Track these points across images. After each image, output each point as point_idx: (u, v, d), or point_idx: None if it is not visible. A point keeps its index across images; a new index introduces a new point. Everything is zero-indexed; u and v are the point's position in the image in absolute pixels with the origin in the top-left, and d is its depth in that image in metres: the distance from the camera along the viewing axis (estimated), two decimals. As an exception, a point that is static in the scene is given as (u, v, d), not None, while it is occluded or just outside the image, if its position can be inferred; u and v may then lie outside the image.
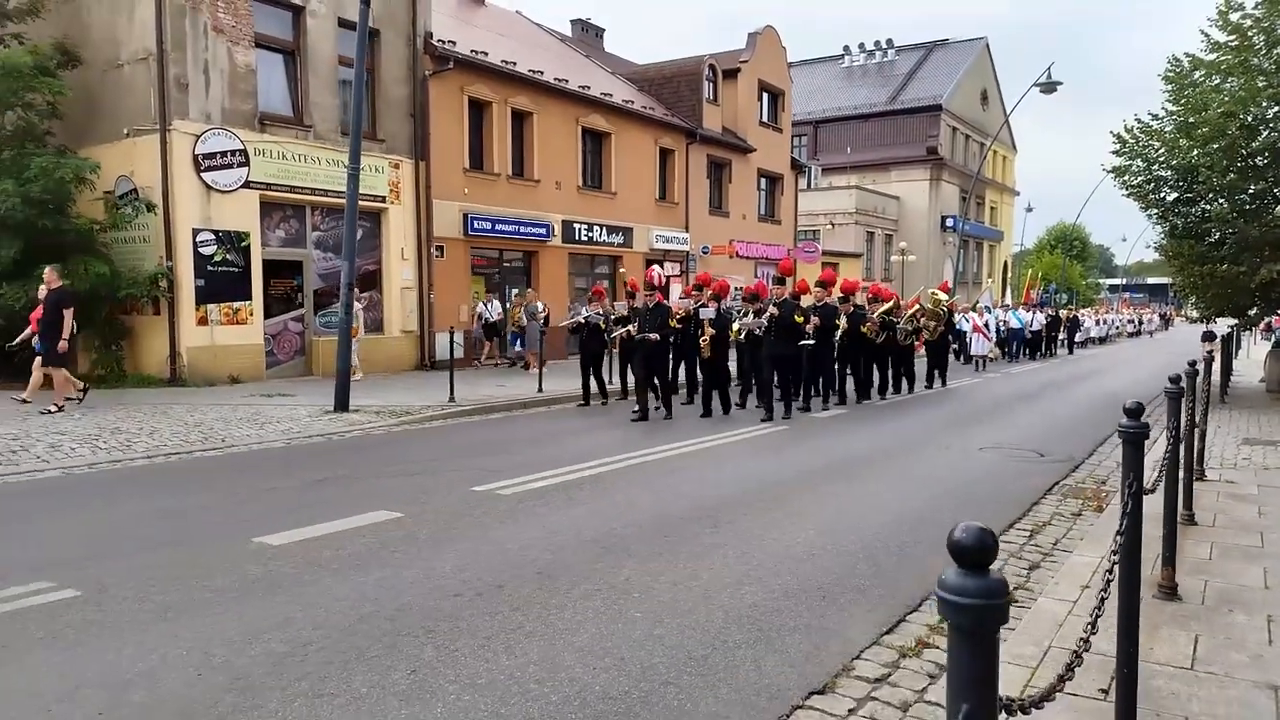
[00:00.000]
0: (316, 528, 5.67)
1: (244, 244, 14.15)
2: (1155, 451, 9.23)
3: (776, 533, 5.78)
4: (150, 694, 3.29)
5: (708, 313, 11.97)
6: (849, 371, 13.61)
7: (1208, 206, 13.75)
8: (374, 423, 10.68)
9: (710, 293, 12.87)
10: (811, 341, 11.81)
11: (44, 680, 3.39)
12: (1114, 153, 14.76)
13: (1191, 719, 3.04)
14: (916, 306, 16.32)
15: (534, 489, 7.02)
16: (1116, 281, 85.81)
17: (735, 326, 12.04)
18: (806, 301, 12.86)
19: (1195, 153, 13.81)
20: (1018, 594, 4.66)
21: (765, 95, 29.10)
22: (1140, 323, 53.26)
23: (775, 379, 11.59)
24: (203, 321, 13.63)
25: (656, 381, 11.54)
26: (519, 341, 18.25)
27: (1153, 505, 4.08)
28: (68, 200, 12.96)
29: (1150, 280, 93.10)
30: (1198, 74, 14.37)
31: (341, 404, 11.19)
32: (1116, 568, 2.47)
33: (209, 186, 13.64)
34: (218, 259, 13.79)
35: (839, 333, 12.95)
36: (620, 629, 4.04)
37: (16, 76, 12.45)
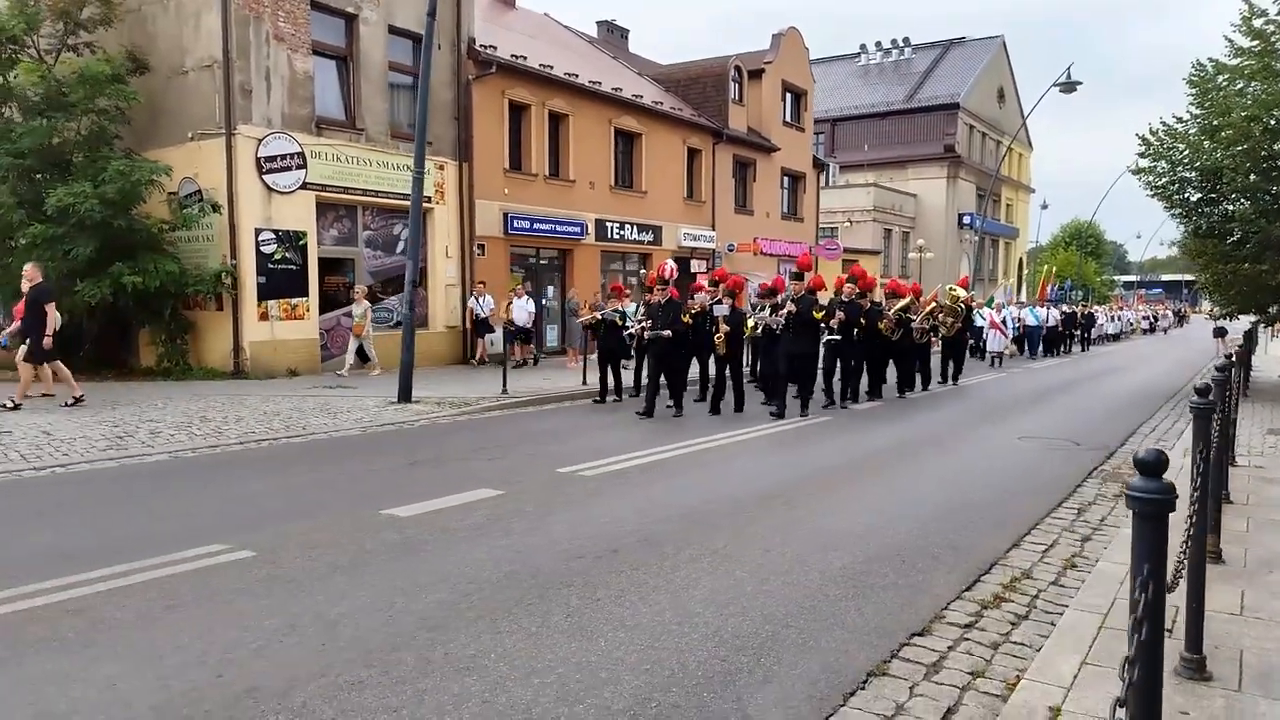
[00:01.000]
0: (432, 502, 6.27)
1: (301, 243, 14.79)
2: (1185, 440, 9.80)
3: (845, 511, 6.36)
4: (356, 631, 3.89)
5: (722, 309, 11.87)
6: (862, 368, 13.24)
7: (1231, 207, 14.22)
8: (437, 413, 11.28)
9: (725, 288, 12.64)
10: (837, 336, 11.85)
11: (261, 620, 3.99)
12: (1139, 154, 15.25)
13: (1245, 650, 3.60)
14: (934, 304, 16.33)
15: (612, 471, 7.62)
16: (1131, 278, 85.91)
17: (751, 322, 12.04)
18: (824, 298, 12.61)
19: (1218, 154, 14.30)
20: (1076, 560, 5.23)
21: (788, 95, 29.61)
22: (1155, 319, 53.48)
23: (790, 376, 11.32)
24: (264, 317, 14.27)
25: (666, 379, 11.37)
26: (514, 339, 17.16)
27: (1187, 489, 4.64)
28: (137, 201, 13.59)
29: (1165, 277, 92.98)
30: (1221, 78, 14.83)
31: (405, 395, 11.79)
32: (1187, 526, 3.03)
33: (269, 188, 14.27)
34: (277, 257, 14.43)
35: (857, 330, 12.62)
36: (732, 585, 4.62)
37: (94, 84, 13.10)
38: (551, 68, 19.86)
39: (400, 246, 17.12)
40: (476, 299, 17.27)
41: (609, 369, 12.65)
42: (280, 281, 14.47)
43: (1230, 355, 7.35)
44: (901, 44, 53.14)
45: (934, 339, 15.99)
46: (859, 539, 5.51)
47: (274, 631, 3.86)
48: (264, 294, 14.23)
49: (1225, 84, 14.73)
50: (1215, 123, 14.11)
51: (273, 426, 9.86)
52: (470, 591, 4.43)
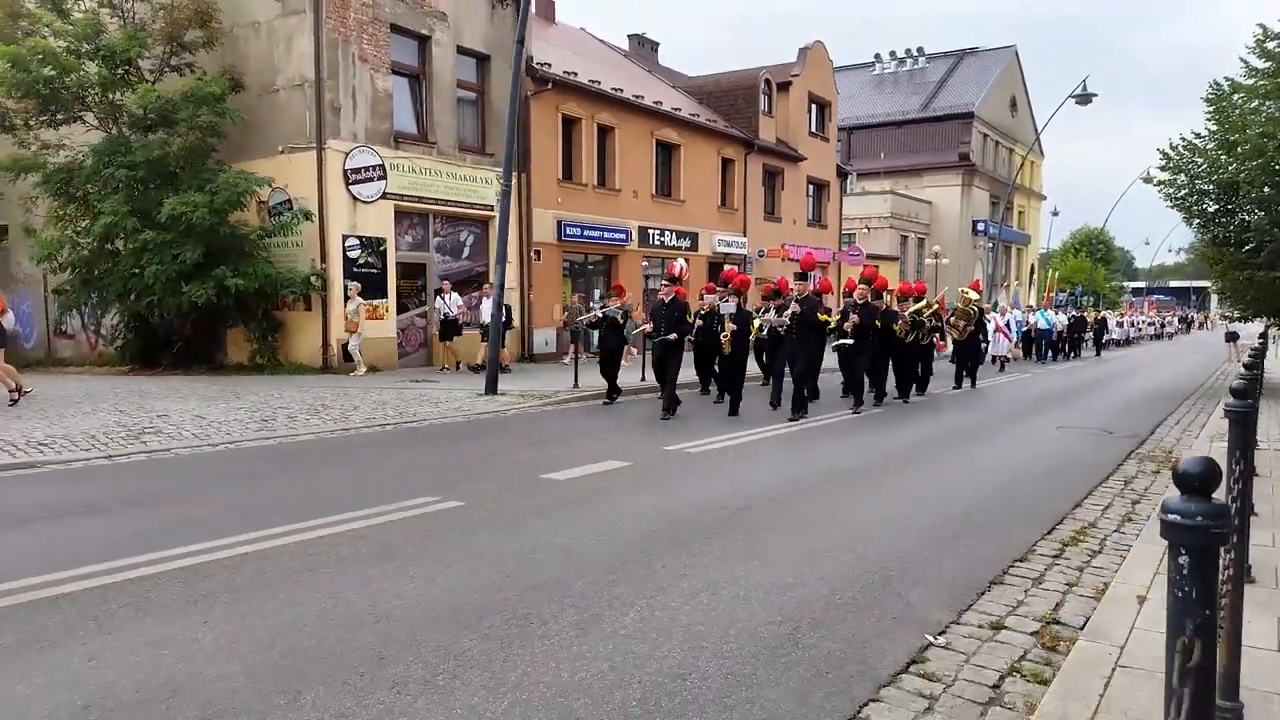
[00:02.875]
0: (576, 470, 7.39)
1: (381, 248, 15.95)
2: (1211, 427, 10.87)
3: (926, 481, 7.48)
4: (586, 551, 5.00)
5: (728, 308, 11.69)
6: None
7: (1247, 217, 15.28)
8: (522, 404, 12.40)
9: (732, 288, 12.42)
10: (849, 341, 11.74)
11: (492, 548, 5.11)
12: (1160, 167, 16.34)
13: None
14: (941, 305, 15.92)
15: (711, 449, 8.73)
16: (1139, 284, 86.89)
17: (757, 323, 11.97)
18: (830, 301, 12.56)
19: (1232, 168, 15.39)
20: (1131, 516, 6.32)
21: (814, 106, 30.75)
22: (1162, 325, 54.35)
23: (791, 377, 11.26)
24: (353, 329, 15.40)
25: (665, 378, 11.21)
26: (484, 338, 15.81)
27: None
28: (236, 209, 14.75)
29: (1173, 283, 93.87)
30: (1237, 96, 15.93)
31: (491, 387, 12.91)
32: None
33: (355, 198, 15.44)
34: (361, 262, 15.60)
35: (873, 333, 12.35)
36: (860, 529, 5.71)
37: (202, 102, 14.27)
38: (599, 83, 21.03)
39: (466, 252, 18.30)
40: (443, 298, 16.39)
41: (610, 368, 12.38)
42: (363, 284, 15.61)
43: (1252, 354, 8.43)
44: (916, 54, 54.31)
45: (941, 342, 15.79)
46: (946, 500, 6.62)
47: (522, 553, 4.98)
48: (349, 295, 15.37)
49: (1241, 102, 15.82)
50: (1232, 138, 15.20)
51: (388, 414, 10.99)
52: (652, 531, 5.54)
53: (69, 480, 7.07)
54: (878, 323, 12.31)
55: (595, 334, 14.40)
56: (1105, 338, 34.25)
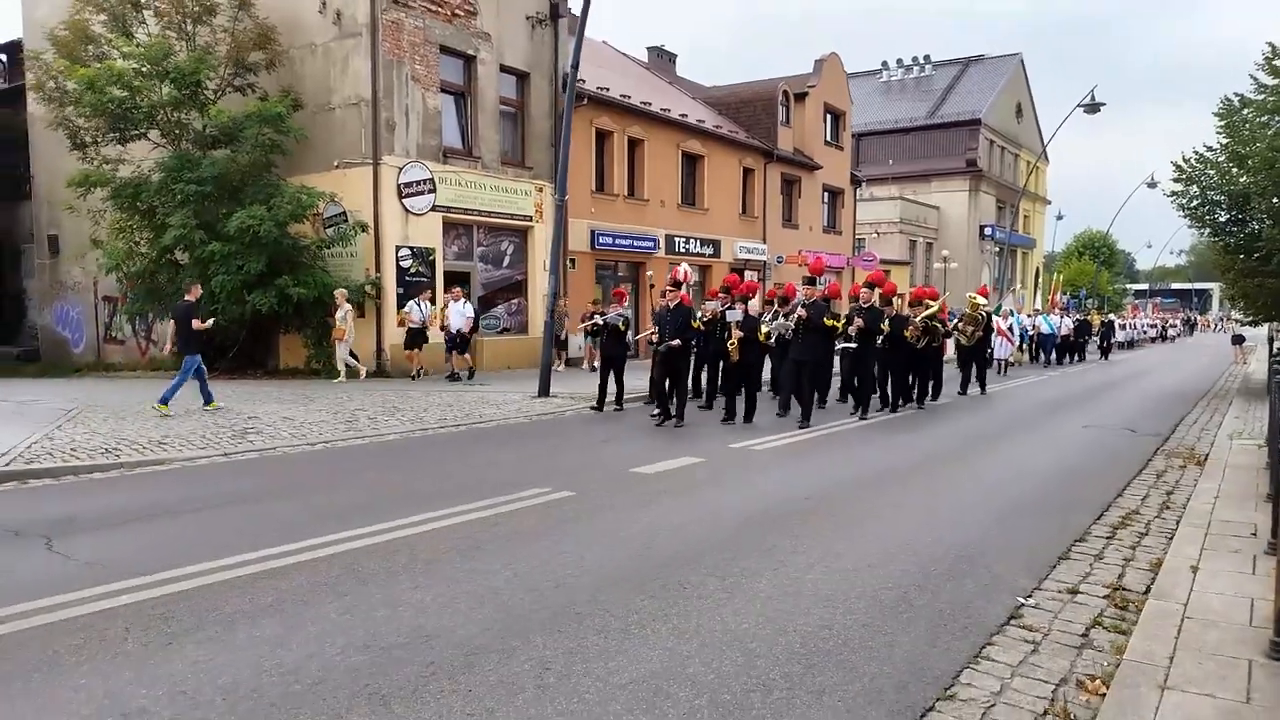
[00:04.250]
0: (658, 465, 8.13)
1: (431, 258, 16.72)
2: (1227, 426, 11.62)
3: (974, 478, 8.22)
4: (699, 533, 5.74)
5: (735, 315, 11.42)
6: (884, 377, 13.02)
7: (1258, 226, 16.05)
8: (574, 406, 13.12)
9: (737, 295, 12.09)
10: (853, 345, 11.68)
11: (619, 530, 5.84)
12: (1173, 179, 17.12)
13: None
14: (943, 311, 15.34)
15: (772, 448, 9.47)
16: (1141, 287, 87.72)
17: (764, 330, 11.77)
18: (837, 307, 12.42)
19: (1244, 180, 16.16)
20: (1169, 503, 7.06)
21: (829, 116, 31.54)
22: (1164, 328, 54.96)
23: (797, 382, 11.14)
24: (401, 323, 16.16)
25: (670, 386, 11.04)
26: (451, 348, 15.98)
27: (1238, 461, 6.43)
28: (296, 222, 15.50)
29: (1175, 285, 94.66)
30: (1246, 111, 16.71)
31: (544, 390, 13.66)
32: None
33: (407, 210, 16.21)
34: (412, 271, 16.36)
35: (881, 338, 12.32)
36: (919, 520, 6.39)
37: (267, 121, 15.05)
38: (629, 97, 21.80)
39: (506, 261, 19.06)
40: (417, 304, 15.94)
41: (610, 375, 12.26)
42: (414, 292, 16.37)
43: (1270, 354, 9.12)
44: (922, 61, 55.18)
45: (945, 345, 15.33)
46: (1001, 491, 7.38)
47: (646, 533, 5.72)
48: (402, 302, 16.13)
49: (1251, 116, 16.60)
50: (1243, 151, 15.97)
51: (455, 415, 11.73)
52: (750, 516, 6.28)
53: (205, 475, 7.81)
54: (884, 326, 12.20)
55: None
56: (1110, 340, 34.02)
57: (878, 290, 12.89)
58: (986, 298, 18.63)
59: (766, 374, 14.44)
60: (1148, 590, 4.71)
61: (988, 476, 8.11)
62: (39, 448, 8.45)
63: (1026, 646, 3.97)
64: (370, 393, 13.83)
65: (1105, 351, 31.34)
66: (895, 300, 13.58)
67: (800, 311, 10.86)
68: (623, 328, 12.13)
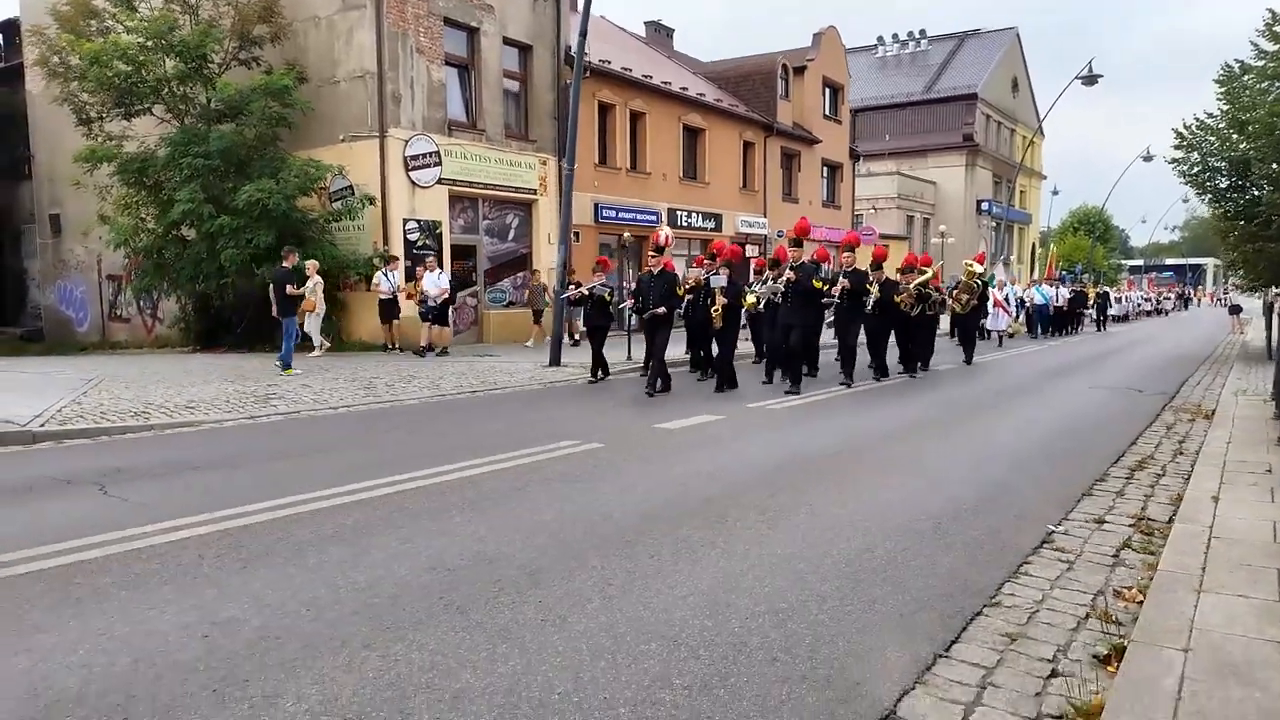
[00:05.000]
0: (680, 421, 8.29)
1: (438, 231, 16.78)
2: (1230, 385, 11.82)
3: (992, 430, 8.42)
4: (734, 478, 5.90)
5: (719, 280, 10.98)
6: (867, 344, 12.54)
7: (1258, 193, 16.21)
8: (587, 375, 13.26)
9: (722, 260, 11.57)
10: (836, 300, 11.30)
11: (652, 474, 6.00)
12: (1174, 146, 17.25)
13: (1321, 478, 5.61)
14: (936, 279, 14.87)
15: (788, 407, 9.63)
16: (1136, 263, 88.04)
17: (750, 299, 11.51)
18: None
19: (1244, 146, 16.30)
20: (1183, 448, 7.25)
21: (827, 90, 31.52)
22: (1158, 302, 55.17)
23: (786, 348, 10.84)
24: (410, 296, 16.22)
25: (650, 353, 10.80)
26: (431, 318, 15.23)
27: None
28: (304, 195, 15.52)
29: (1169, 261, 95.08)
30: (1247, 78, 16.81)
31: (555, 360, 13.78)
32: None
33: (414, 183, 16.24)
34: (419, 244, 16.42)
35: (870, 302, 11.87)
36: (944, 465, 6.60)
37: (274, 94, 15.04)
38: (630, 70, 21.79)
39: (511, 234, 19.12)
40: (386, 274, 15.34)
41: (597, 346, 11.94)
42: (427, 266, 16.42)
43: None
44: (918, 36, 55.03)
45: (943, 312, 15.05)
46: (1020, 440, 7.57)
47: (679, 478, 5.88)
48: (409, 276, 16.20)
49: (1251, 83, 16.70)
50: (1243, 118, 16.09)
51: (471, 382, 11.84)
52: (779, 464, 6.45)
53: (236, 435, 7.93)
54: (870, 286, 11.84)
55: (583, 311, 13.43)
56: (1106, 312, 33.88)
57: (856, 252, 11.99)
58: (983, 264, 18.11)
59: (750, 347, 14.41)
60: (1171, 520, 4.89)
61: (1001, 430, 8.29)
62: (69, 411, 8.56)
63: (1062, 565, 4.14)
64: (384, 364, 13.93)
65: (1101, 324, 31.60)
66: (883, 266, 12.80)
67: (789, 273, 10.68)
68: (608, 297, 11.93)
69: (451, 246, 17.21)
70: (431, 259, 15.87)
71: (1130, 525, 4.87)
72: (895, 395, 11.09)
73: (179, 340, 18.52)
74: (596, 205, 20.69)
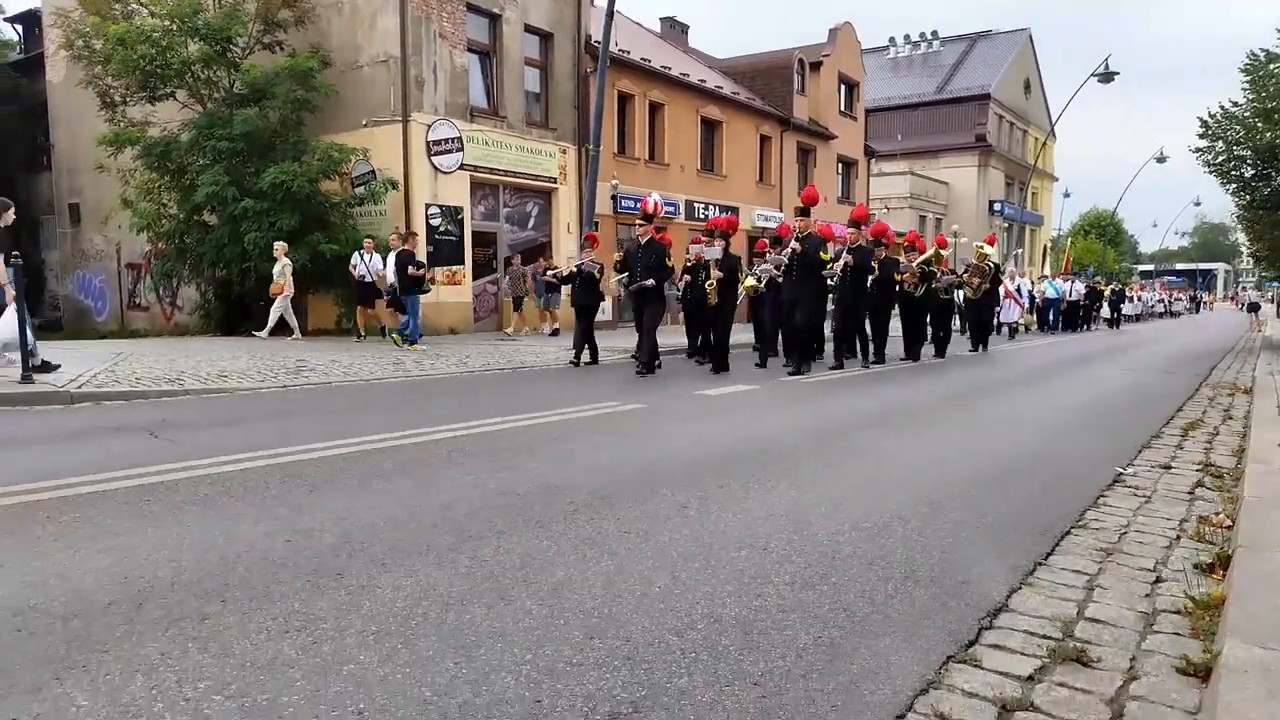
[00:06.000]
0: (717, 389, 8.23)
1: (459, 217, 16.75)
2: (1261, 369, 11.68)
3: (1038, 400, 8.33)
4: (768, 435, 5.85)
5: (714, 252, 10.33)
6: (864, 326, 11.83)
7: (1284, 180, 16.09)
8: (612, 357, 13.18)
9: (719, 231, 10.91)
10: (835, 273, 10.59)
11: (697, 431, 5.95)
12: (1199, 135, 17.13)
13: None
14: (944, 262, 14.36)
15: (821, 381, 9.55)
16: (1146, 267, 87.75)
17: (750, 282, 11.07)
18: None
19: (1270, 135, 16.17)
20: (1231, 413, 7.16)
21: (843, 86, 31.47)
22: (1169, 304, 54.79)
23: (790, 327, 10.37)
24: (432, 281, 16.18)
25: (638, 330, 10.30)
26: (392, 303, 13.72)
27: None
28: (327, 179, 15.50)
29: (1179, 265, 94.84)
30: (1273, 66, 16.69)
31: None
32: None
33: (436, 168, 16.23)
34: (441, 229, 16.40)
35: (869, 281, 11.25)
36: (1000, 427, 6.57)
37: (298, 78, 15.05)
38: (650, 61, 21.78)
39: (531, 222, 19.10)
40: (363, 257, 14.08)
41: (584, 326, 11.21)
42: (444, 251, 16.42)
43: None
44: (930, 37, 55.00)
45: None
46: (1068, 407, 7.53)
47: (725, 433, 5.83)
48: (431, 261, 16.16)
49: (1277, 71, 16.58)
50: (1269, 106, 15.98)
51: (498, 360, 11.79)
52: (820, 426, 6.40)
53: (273, 398, 7.89)
54: (874, 265, 11.24)
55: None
56: (1119, 309, 33.25)
57: (864, 229, 11.48)
58: (994, 245, 17.29)
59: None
60: (1239, 464, 4.82)
61: (1044, 402, 8.21)
62: (104, 377, 8.53)
63: (1139, 499, 4.07)
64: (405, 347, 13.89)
65: (1115, 321, 31.17)
66: (884, 243, 12.37)
67: (794, 244, 9.90)
68: (597, 275, 11.33)
69: (473, 233, 17.18)
70: (368, 240, 14.45)
71: (1198, 470, 4.80)
72: (925, 374, 11.02)
73: (199, 328, 18.50)
74: (615, 195, 20.63)
